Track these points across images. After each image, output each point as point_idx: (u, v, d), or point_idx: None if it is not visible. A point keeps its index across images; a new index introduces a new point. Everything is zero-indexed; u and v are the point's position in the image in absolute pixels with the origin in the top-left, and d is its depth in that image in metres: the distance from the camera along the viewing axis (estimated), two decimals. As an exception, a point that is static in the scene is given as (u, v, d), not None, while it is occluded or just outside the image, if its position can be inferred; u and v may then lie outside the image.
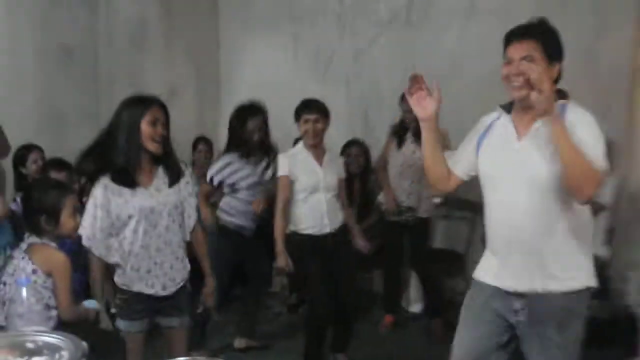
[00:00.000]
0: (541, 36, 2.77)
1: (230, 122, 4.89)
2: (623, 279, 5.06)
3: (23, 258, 3.18)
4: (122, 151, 3.21)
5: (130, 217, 3.23)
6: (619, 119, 5.05)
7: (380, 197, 5.62)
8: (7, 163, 5.19)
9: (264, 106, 4.88)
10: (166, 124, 3.27)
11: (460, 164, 3.04)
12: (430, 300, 5.70)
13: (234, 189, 4.84)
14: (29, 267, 3.14)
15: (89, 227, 3.24)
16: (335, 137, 6.21)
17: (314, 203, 4.47)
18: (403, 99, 4.95)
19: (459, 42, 5.84)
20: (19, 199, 4.53)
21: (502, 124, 2.91)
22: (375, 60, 6.37)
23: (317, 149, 4.53)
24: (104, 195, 3.21)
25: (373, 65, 6.39)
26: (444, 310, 5.42)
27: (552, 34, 2.83)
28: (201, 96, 6.94)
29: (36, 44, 5.59)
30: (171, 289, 3.35)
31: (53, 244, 3.25)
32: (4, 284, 3.21)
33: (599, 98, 4.86)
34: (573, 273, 2.80)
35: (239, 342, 5.10)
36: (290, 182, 4.45)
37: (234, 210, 4.87)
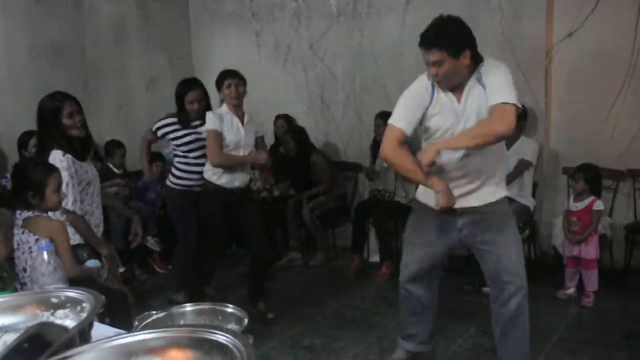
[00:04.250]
0: (442, 42, 2.79)
1: (175, 94, 4.64)
2: (548, 224, 5.18)
3: (23, 232, 3.05)
4: None
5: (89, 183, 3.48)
6: (539, 92, 5.21)
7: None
8: (10, 146, 5.11)
9: (200, 80, 4.72)
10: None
11: None
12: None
13: (181, 152, 4.59)
14: (32, 238, 3.01)
15: (72, 196, 3.33)
16: (299, 112, 6.28)
17: None
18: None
19: (398, 29, 5.87)
20: (9, 176, 4.40)
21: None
22: (327, 48, 6.37)
23: (239, 110, 4.30)
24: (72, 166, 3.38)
25: (326, 53, 6.36)
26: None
27: (452, 35, 2.82)
28: (177, 83, 6.82)
29: (29, 42, 5.53)
30: None
31: (45, 214, 3.11)
32: (13, 258, 3.06)
33: (520, 74, 5.01)
34: None
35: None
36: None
37: (183, 172, 4.58)
